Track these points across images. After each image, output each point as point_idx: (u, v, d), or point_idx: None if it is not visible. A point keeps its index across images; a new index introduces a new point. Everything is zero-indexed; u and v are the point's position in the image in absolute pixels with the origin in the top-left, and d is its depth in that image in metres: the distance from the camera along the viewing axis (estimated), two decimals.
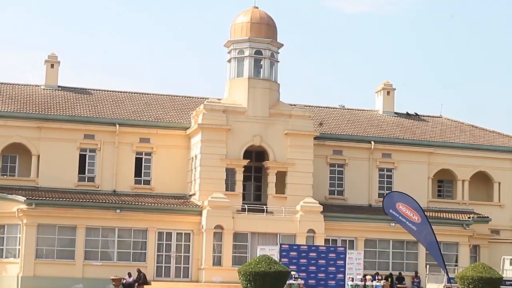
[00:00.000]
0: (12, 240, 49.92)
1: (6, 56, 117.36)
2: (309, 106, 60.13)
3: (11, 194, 50.57)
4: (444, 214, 56.26)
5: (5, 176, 53.53)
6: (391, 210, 45.59)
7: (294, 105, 55.73)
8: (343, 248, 48.32)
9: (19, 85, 59.11)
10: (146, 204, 52.02)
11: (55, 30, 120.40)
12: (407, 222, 44.88)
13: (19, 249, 49.40)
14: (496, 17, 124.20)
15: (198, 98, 59.42)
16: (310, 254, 46.14)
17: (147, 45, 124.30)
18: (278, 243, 47.70)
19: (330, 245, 50.47)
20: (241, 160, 53.00)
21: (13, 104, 55.24)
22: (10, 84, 59.00)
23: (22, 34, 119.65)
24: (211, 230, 50.33)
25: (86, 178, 54.44)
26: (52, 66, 59.47)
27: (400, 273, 52.92)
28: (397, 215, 45.25)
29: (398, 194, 47.27)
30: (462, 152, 59.83)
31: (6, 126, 53.32)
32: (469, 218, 56.18)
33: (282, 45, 55.28)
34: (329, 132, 57.78)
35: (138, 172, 55.01)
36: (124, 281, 48.27)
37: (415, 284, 52.79)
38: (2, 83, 58.91)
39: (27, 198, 49.50)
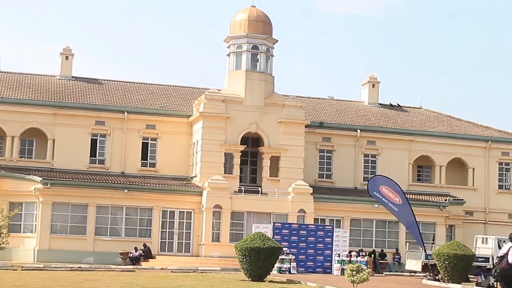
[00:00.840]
0: (29, 217, 49.83)
1: (25, 48, 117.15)
2: (301, 97, 59.96)
3: (28, 174, 50.53)
4: (423, 196, 56.21)
5: (23, 158, 53.46)
6: (375, 192, 45.65)
7: (287, 96, 55.60)
8: (330, 227, 48.24)
9: (36, 75, 59.00)
10: (152, 185, 51.99)
11: (69, 25, 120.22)
12: (389, 204, 44.95)
13: (35, 224, 49.36)
14: (472, 16, 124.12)
15: (199, 88, 59.30)
16: (301, 232, 46.02)
17: (154, 40, 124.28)
18: (272, 222, 47.61)
19: (319, 224, 50.41)
20: (239, 145, 52.92)
21: (31, 93, 55.17)
22: (28, 74, 58.92)
23: (39, 28, 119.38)
24: (211, 209, 50.25)
25: (97, 160, 54.37)
26: (66, 58, 59.38)
27: (382, 250, 52.91)
28: (380, 197, 45.33)
29: (381, 178, 47.33)
30: (440, 140, 59.79)
31: (24, 113, 53.21)
32: (445, 200, 56.22)
33: (277, 41, 55.14)
34: (318, 121, 57.64)
35: (144, 156, 54.95)
36: (131, 255, 48.24)
37: (395, 260, 52.79)
38: (20, 73, 58.88)
39: (43, 179, 49.48)
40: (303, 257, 45.03)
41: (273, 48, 55.20)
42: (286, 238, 44.50)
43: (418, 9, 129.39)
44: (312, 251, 45.55)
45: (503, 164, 60.83)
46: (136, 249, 48.83)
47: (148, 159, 55.06)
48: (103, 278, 32.59)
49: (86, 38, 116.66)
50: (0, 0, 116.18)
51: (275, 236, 42.34)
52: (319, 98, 64.77)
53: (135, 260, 47.72)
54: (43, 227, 48.91)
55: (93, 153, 54.29)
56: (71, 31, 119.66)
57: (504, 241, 33.53)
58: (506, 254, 19.25)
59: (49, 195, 49.15)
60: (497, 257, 21.87)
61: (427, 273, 42.12)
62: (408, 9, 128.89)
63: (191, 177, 53.97)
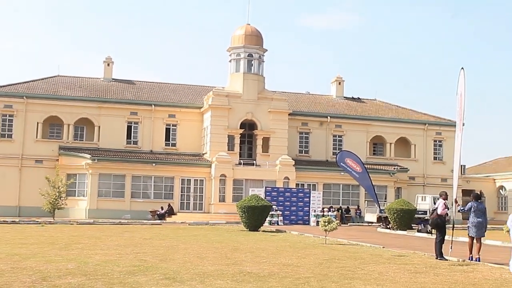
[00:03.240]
0: (81, 184, 49.94)
1: (76, 57, 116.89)
2: (285, 92, 60.01)
3: (80, 153, 50.62)
4: (377, 166, 56.44)
5: (76, 140, 53.55)
6: (341, 163, 45.93)
7: (275, 92, 55.64)
8: (308, 190, 48.49)
9: (85, 78, 58.89)
10: (173, 159, 52.05)
11: (110, 39, 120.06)
12: (352, 172, 45.23)
13: (86, 190, 49.48)
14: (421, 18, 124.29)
15: (208, 86, 59.24)
16: (286, 194, 46.26)
17: (174, 49, 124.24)
18: (264, 186, 47.79)
19: (299, 188, 50.61)
20: (238, 129, 52.97)
21: (81, 91, 55.15)
22: (79, 77, 58.82)
23: (87, 42, 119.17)
24: (218, 178, 50.40)
25: (132, 142, 54.38)
26: (108, 64, 59.33)
27: (347, 206, 53.12)
28: (346, 167, 45.58)
29: (346, 152, 47.56)
30: (390, 124, 59.92)
31: (77, 106, 53.22)
32: (394, 169, 56.45)
33: (267, 50, 55.09)
34: (298, 110, 57.74)
35: (167, 138, 54.98)
36: (158, 213, 48.42)
37: (357, 214, 53.05)
38: (74, 77, 58.79)
39: (91, 156, 49.57)
40: (288, 212, 45.29)
41: (264, 55, 55.12)
42: (275, 198, 44.72)
43: (374, 25, 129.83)
44: (295, 208, 45.82)
45: (437, 141, 61.01)
46: (162, 208, 49.03)
47: (170, 140, 55.09)
48: (138, 229, 32.85)
49: (122, 49, 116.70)
50: (59, 23, 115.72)
51: (267, 197, 42.58)
52: (299, 93, 64.76)
53: (161, 216, 47.94)
54: (92, 192, 49.09)
55: (128, 136, 54.31)
56: (111, 43, 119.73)
57: (437, 198, 33.93)
58: (436, 208, 19.60)
59: (96, 168, 49.26)
60: (432, 210, 22.17)
61: (381, 223, 42.46)
62: (367, 25, 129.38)
63: (202, 154, 54.05)
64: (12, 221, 38.16)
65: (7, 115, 51.97)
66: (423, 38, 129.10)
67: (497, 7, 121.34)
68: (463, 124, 21.05)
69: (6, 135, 51.75)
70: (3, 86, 53.58)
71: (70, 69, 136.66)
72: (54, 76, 58.20)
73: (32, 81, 56.05)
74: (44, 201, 44.03)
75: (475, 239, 18.86)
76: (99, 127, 53.51)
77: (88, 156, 49.53)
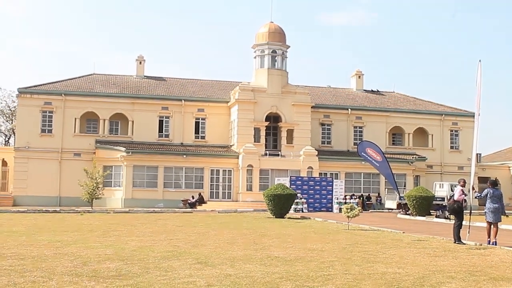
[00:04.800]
0: (117, 176, 50.34)
1: (111, 56, 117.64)
2: (307, 86, 59.75)
3: (116, 146, 51.01)
4: (396, 155, 56.04)
5: (111, 134, 53.95)
6: (362, 153, 45.65)
7: (298, 86, 55.44)
8: (330, 179, 48.36)
9: (119, 75, 59.31)
10: (203, 151, 52.20)
11: (142, 38, 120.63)
12: (372, 161, 44.94)
13: (122, 181, 49.89)
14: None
15: (235, 82, 59.19)
16: (310, 182, 46.20)
17: (202, 47, 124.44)
18: (289, 176, 47.80)
19: (322, 177, 50.49)
20: (264, 122, 52.94)
21: (116, 88, 55.52)
22: (113, 75, 59.24)
23: (121, 41, 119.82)
24: (245, 168, 50.47)
25: (163, 135, 54.60)
26: (140, 63, 59.64)
27: (368, 194, 52.99)
28: (366, 156, 45.30)
29: (366, 143, 47.28)
30: (408, 115, 59.43)
31: (112, 102, 53.56)
32: (413, 158, 56.04)
33: (290, 46, 54.89)
34: (320, 103, 57.53)
35: (197, 131, 55.08)
36: (189, 201, 48.65)
37: (378, 201, 52.84)
38: (108, 75, 59.25)
39: (126, 149, 49.91)
40: (312, 200, 45.24)
41: (287, 51, 54.95)
42: (299, 187, 44.70)
43: (392, 21, 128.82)
44: (318, 196, 45.75)
45: (453, 131, 60.39)
46: (193, 197, 49.25)
47: (200, 133, 55.19)
48: (170, 217, 33.03)
49: (153, 48, 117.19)
50: (94, 24, 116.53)
51: (291, 186, 42.53)
52: (320, 87, 64.53)
53: (192, 205, 48.14)
54: (127, 183, 49.47)
55: (160, 129, 54.53)
56: (143, 43, 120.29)
57: (455, 186, 33.56)
58: (454, 194, 19.44)
59: (130, 160, 49.60)
60: (450, 197, 21.97)
61: (401, 209, 42.21)
62: (385, 20, 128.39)
63: (230, 145, 54.10)
64: (54, 210, 38.62)
65: (47, 112, 52.51)
66: (438, 32, 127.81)
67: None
68: (479, 115, 20.82)
69: (47, 130, 52.30)
70: (43, 84, 54.18)
71: (104, 68, 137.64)
72: (90, 74, 58.66)
73: (70, 79, 56.55)
74: (82, 192, 44.47)
75: (492, 224, 18.69)
76: (133, 121, 53.81)
77: (123, 149, 49.87)
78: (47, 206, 44.10)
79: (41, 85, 53.95)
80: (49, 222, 27.30)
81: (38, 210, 38.32)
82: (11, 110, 73.15)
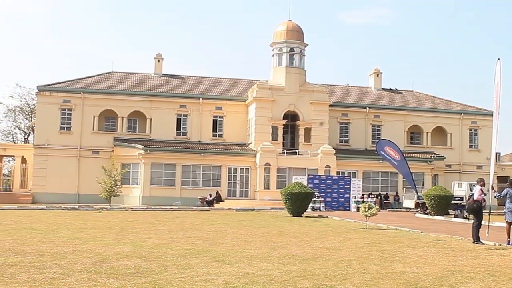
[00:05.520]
0: (135, 173, 50.60)
1: (129, 54, 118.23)
2: (325, 85, 59.72)
3: (134, 144, 51.24)
4: (415, 154, 55.75)
5: (130, 132, 54.20)
6: (380, 152, 45.45)
7: (316, 84, 55.37)
8: (348, 177, 48.20)
9: (137, 73, 59.65)
10: (220, 149, 52.28)
11: (160, 37, 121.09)
12: (391, 159, 44.70)
13: (140, 179, 50.10)
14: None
15: (252, 80, 59.28)
16: (327, 181, 46.09)
17: (220, 46, 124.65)
18: (306, 174, 47.71)
19: (340, 175, 50.35)
20: (281, 120, 52.89)
21: (134, 86, 55.75)
22: (132, 73, 59.59)
23: (139, 40, 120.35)
24: (262, 166, 50.48)
25: (181, 133, 54.71)
26: (158, 61, 59.98)
27: (386, 193, 52.75)
28: (385, 155, 45.07)
29: (385, 141, 47.03)
30: (426, 113, 59.07)
31: (130, 100, 53.81)
32: (431, 157, 55.74)
33: (307, 44, 54.78)
34: (338, 102, 57.36)
35: (214, 129, 55.18)
36: (207, 199, 48.74)
37: (396, 200, 52.62)
38: (127, 73, 59.58)
39: (144, 146, 50.14)
40: (329, 199, 45.13)
41: (305, 50, 54.84)
42: (317, 185, 44.59)
43: (410, 20, 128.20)
44: (336, 195, 45.63)
45: (472, 130, 59.91)
46: (210, 195, 49.32)
47: (217, 131, 55.28)
48: (188, 215, 33.11)
49: (172, 46, 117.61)
50: (113, 23, 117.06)
51: (309, 184, 42.45)
52: (339, 85, 64.36)
53: (210, 203, 48.22)
54: (145, 180, 49.69)
55: (178, 127, 54.67)
56: (162, 41, 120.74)
57: (474, 185, 33.29)
58: (473, 193, 19.29)
59: (148, 158, 49.80)
60: (469, 196, 21.83)
61: (419, 209, 41.98)
62: (403, 20, 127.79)
63: (248, 143, 54.13)
64: (72, 207, 38.89)
65: (66, 109, 52.89)
66: (457, 31, 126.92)
67: None
68: (498, 114, 20.63)
69: (66, 128, 52.69)
70: (62, 82, 54.60)
71: (123, 66, 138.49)
72: (108, 73, 59.00)
73: (88, 77, 56.94)
74: (101, 189, 44.78)
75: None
76: (151, 119, 54.01)
77: (141, 147, 50.09)
78: (65, 203, 44.45)
79: (60, 83, 54.38)
80: (68, 219, 27.51)
81: (57, 207, 38.68)
82: (30, 108, 73.83)
